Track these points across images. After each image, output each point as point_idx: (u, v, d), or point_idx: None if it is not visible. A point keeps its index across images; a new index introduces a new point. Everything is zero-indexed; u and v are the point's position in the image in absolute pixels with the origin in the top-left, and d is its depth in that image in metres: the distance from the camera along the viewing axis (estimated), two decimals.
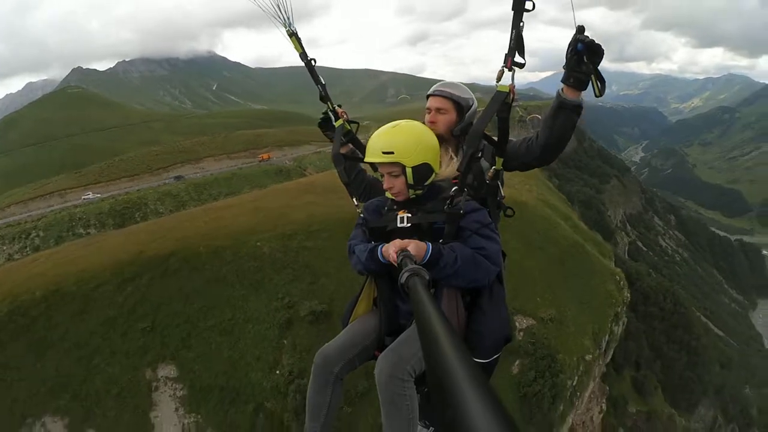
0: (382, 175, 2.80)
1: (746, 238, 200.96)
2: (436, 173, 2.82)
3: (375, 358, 2.84)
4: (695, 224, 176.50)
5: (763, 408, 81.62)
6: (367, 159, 2.81)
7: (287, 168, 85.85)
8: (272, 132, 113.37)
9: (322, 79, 3.49)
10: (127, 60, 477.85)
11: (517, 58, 2.61)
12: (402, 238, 2.47)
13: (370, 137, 2.88)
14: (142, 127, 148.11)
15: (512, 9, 2.53)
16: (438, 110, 3.30)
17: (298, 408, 21.47)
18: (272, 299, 24.92)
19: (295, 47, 3.42)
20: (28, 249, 59.09)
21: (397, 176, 2.74)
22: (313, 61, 3.44)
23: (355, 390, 21.60)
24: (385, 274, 2.84)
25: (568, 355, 27.35)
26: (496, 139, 2.98)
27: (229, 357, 23.42)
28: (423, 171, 2.73)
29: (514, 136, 3.12)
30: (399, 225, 2.75)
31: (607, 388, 40.02)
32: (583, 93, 2.73)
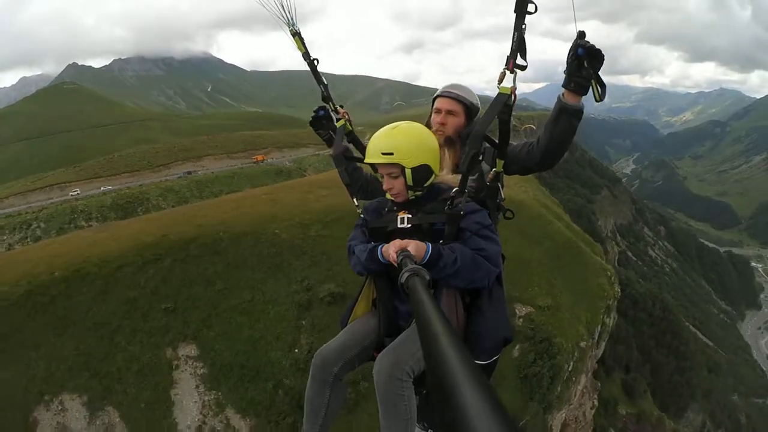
0: (382, 176, 2.82)
1: (735, 250, 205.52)
2: (436, 175, 2.85)
3: (374, 358, 2.85)
4: (685, 235, 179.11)
5: (751, 415, 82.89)
6: (366, 160, 2.83)
7: (287, 169, 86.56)
8: (271, 134, 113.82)
9: (324, 80, 3.49)
10: (122, 58, 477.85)
11: (519, 61, 2.64)
12: (402, 239, 2.50)
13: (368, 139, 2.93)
14: (138, 126, 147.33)
15: (514, 11, 2.55)
16: (449, 112, 3.33)
17: None
18: (291, 282, 25.79)
19: (298, 47, 3.42)
20: (29, 239, 58.92)
21: (396, 177, 2.76)
22: (315, 61, 3.44)
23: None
24: (384, 274, 2.89)
25: (564, 339, 28.92)
26: (497, 141, 3.03)
27: (249, 336, 24.23)
28: (422, 172, 2.75)
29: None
30: (399, 226, 2.78)
31: (599, 384, 41.25)
32: (583, 99, 2.80)
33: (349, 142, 3.59)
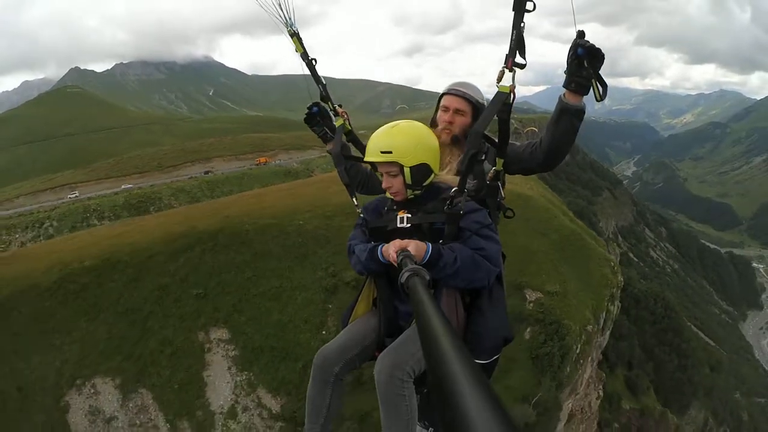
0: (382, 175, 2.82)
1: (736, 251, 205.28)
2: (435, 174, 2.85)
3: (375, 358, 2.84)
4: (686, 237, 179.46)
5: (753, 414, 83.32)
6: (366, 158, 2.84)
7: (296, 170, 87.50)
8: (277, 136, 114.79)
9: (322, 80, 3.48)
10: (124, 62, 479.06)
11: (518, 59, 2.63)
12: (402, 239, 2.50)
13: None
14: (141, 129, 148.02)
15: (513, 9, 2.54)
16: (457, 111, 3.28)
17: None
18: (317, 269, 26.97)
19: (297, 47, 3.41)
20: (41, 238, 59.28)
21: (395, 176, 2.76)
22: (314, 61, 3.44)
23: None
24: (384, 274, 2.88)
25: (572, 322, 30.40)
26: (496, 140, 3.04)
27: (279, 320, 25.43)
28: (421, 171, 2.75)
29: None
30: (399, 225, 2.78)
31: (604, 375, 42.36)
32: (584, 100, 2.79)
33: (348, 142, 3.58)
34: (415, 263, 2.08)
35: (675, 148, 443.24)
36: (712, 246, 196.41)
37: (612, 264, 40.17)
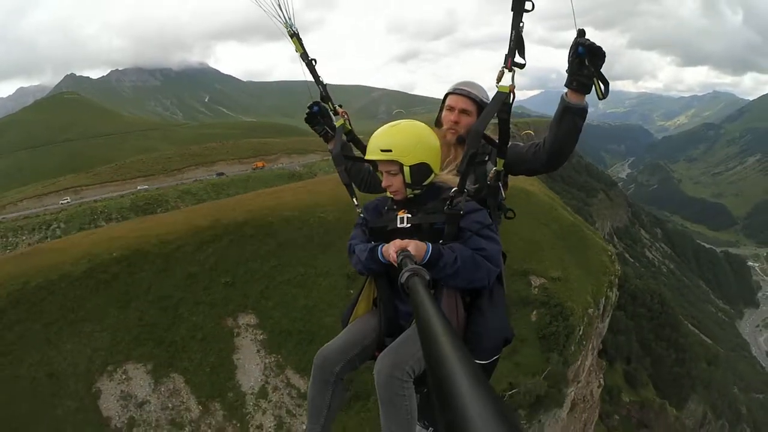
0: (382, 174, 2.81)
1: (732, 250, 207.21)
2: (435, 174, 2.84)
3: (375, 358, 2.84)
4: (681, 237, 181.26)
5: (751, 408, 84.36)
6: (367, 157, 2.85)
7: (299, 172, 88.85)
8: (279, 140, 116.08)
9: (323, 80, 3.47)
10: (120, 69, 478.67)
11: (518, 59, 2.63)
12: (402, 239, 2.49)
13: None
14: (139, 135, 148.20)
15: (512, 9, 2.54)
16: (462, 111, 3.28)
17: None
18: (340, 257, 28.08)
19: (297, 48, 3.41)
20: (49, 239, 59.74)
21: (395, 175, 2.75)
22: (314, 62, 3.44)
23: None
24: (384, 274, 2.87)
25: (575, 304, 32.53)
26: (496, 140, 3.00)
27: (305, 305, 26.78)
28: (421, 171, 2.75)
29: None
30: (399, 225, 2.78)
31: (604, 363, 43.81)
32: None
33: (348, 141, 3.57)
34: (415, 263, 2.10)
35: (669, 149, 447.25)
36: (708, 246, 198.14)
37: (609, 253, 42.46)
